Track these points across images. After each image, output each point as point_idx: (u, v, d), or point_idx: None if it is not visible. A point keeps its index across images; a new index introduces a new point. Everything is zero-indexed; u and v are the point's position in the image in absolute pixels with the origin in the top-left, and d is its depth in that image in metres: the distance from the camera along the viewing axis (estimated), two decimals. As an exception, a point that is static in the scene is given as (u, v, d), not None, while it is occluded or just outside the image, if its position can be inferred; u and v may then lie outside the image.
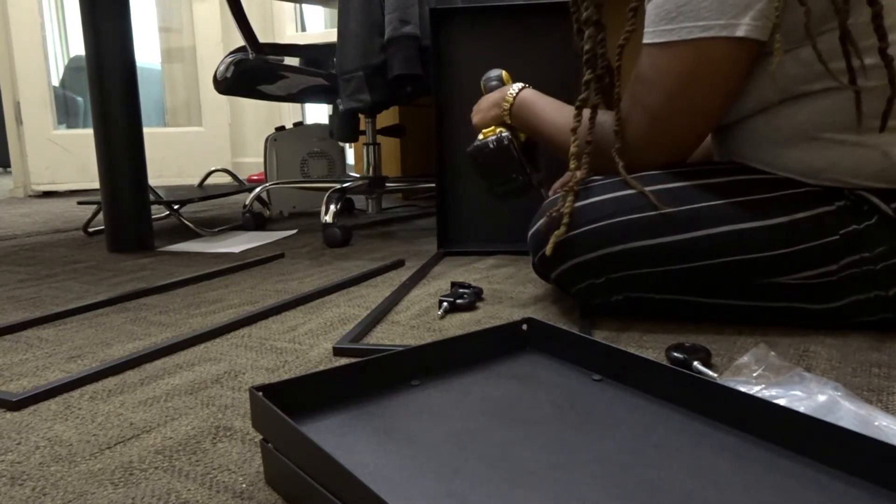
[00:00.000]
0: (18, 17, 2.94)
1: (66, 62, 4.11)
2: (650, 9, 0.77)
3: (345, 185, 1.67)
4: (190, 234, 1.71)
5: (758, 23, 0.70)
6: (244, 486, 0.48)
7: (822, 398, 0.54)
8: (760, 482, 0.43)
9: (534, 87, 0.99)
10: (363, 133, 1.84)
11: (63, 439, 0.57)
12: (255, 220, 1.82)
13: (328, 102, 2.00)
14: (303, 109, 3.79)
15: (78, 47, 4.19)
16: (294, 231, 1.76)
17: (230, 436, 0.56)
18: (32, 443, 0.56)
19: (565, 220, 0.81)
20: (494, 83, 1.05)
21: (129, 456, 0.53)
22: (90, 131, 2.98)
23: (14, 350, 0.82)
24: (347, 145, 2.51)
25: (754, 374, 0.60)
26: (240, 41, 1.85)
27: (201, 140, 3.35)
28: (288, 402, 0.50)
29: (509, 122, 0.99)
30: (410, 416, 0.53)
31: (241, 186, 2.31)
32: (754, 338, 0.77)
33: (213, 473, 0.50)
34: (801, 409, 0.48)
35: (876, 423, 0.50)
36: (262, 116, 3.78)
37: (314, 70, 1.91)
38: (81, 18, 1.40)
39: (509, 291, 1.04)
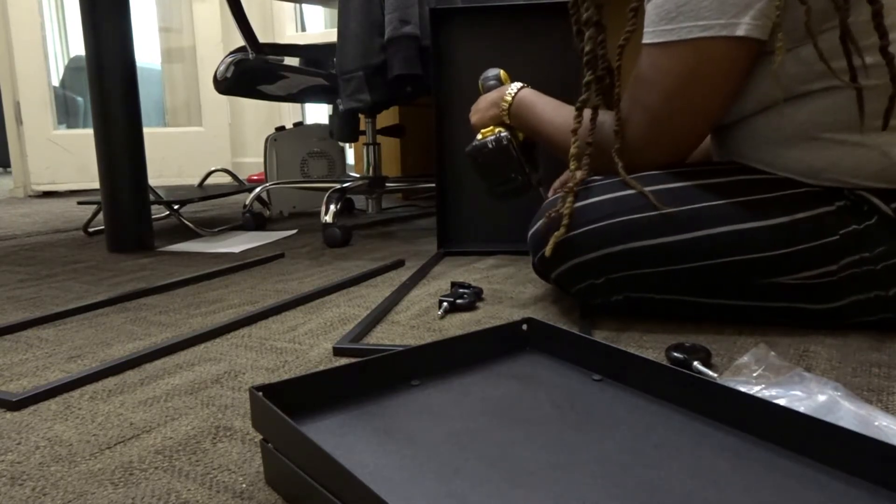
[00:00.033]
0: (18, 17, 2.94)
1: (66, 62, 4.11)
2: (650, 9, 0.77)
3: (345, 185, 1.67)
4: (190, 234, 1.71)
5: (758, 22, 0.70)
6: (244, 486, 0.48)
7: (822, 398, 0.54)
8: (760, 482, 0.43)
9: (534, 87, 0.99)
10: (363, 133, 1.84)
11: (63, 439, 0.57)
12: (255, 220, 1.82)
13: (328, 102, 2.00)
14: (303, 109, 3.79)
15: (78, 47, 4.19)
16: (294, 231, 1.76)
17: (230, 436, 0.56)
18: (32, 443, 0.56)
19: (565, 220, 0.81)
20: (492, 83, 1.05)
21: (129, 456, 0.53)
22: (90, 131, 2.98)
23: (14, 350, 0.82)
24: (347, 145, 2.51)
25: (754, 374, 0.60)
26: (240, 41, 1.85)
27: (201, 140, 3.35)
28: (288, 402, 0.50)
29: (508, 121, 0.99)
30: (410, 416, 0.53)
31: (241, 186, 2.31)
32: (754, 338, 0.77)
33: (213, 473, 0.50)
34: (801, 409, 0.48)
35: (876, 423, 0.50)
36: (262, 116, 3.78)
37: (314, 70, 1.91)
38: (81, 18, 1.40)
39: (509, 291, 1.04)
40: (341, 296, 1.04)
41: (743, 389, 0.50)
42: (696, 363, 0.66)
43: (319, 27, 3.85)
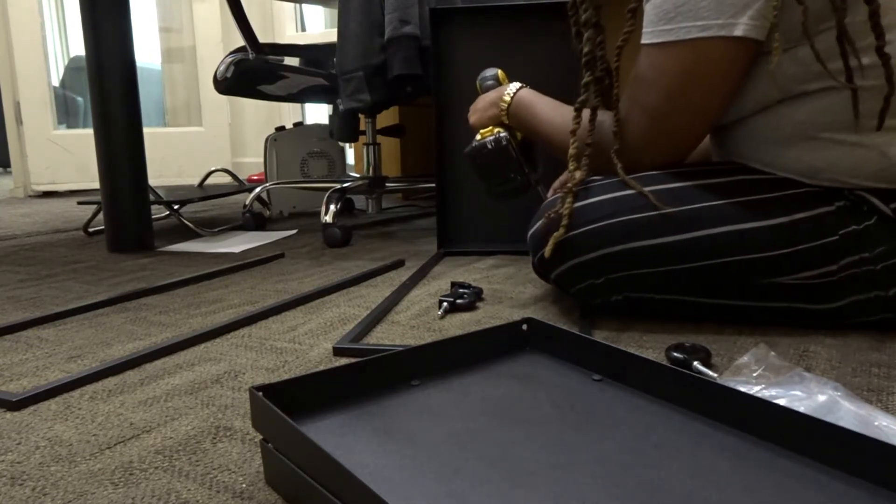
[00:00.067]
0: (18, 17, 2.94)
1: (66, 62, 4.11)
2: (649, 9, 0.77)
3: (345, 185, 1.67)
4: (190, 234, 1.71)
5: (756, 22, 0.70)
6: (244, 486, 0.48)
7: (822, 398, 0.54)
8: (760, 482, 0.43)
9: (534, 87, 0.99)
10: (363, 133, 1.84)
11: (63, 439, 0.57)
12: (255, 220, 1.82)
13: (328, 102, 2.01)
14: (303, 109, 3.79)
15: (78, 47, 4.19)
16: (294, 231, 1.76)
17: (230, 436, 0.56)
18: (32, 443, 0.56)
19: (564, 221, 0.81)
20: (490, 83, 1.05)
21: (129, 456, 0.53)
22: (90, 131, 2.98)
23: (14, 350, 0.82)
24: (347, 145, 2.51)
25: (754, 374, 0.60)
26: (240, 41, 1.85)
27: (201, 140, 3.35)
28: (288, 402, 0.50)
29: (507, 122, 0.99)
30: (410, 416, 0.53)
31: (241, 186, 2.31)
32: (754, 338, 0.77)
33: (213, 473, 0.50)
34: (801, 409, 0.48)
35: (876, 423, 0.50)
36: (262, 116, 3.78)
37: (314, 70, 1.91)
38: (81, 18, 1.40)
39: (509, 291, 1.04)
40: (341, 296, 1.04)
41: (743, 389, 0.50)
42: (696, 363, 0.66)
43: (319, 27, 3.85)
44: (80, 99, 3.77)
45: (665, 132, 0.80)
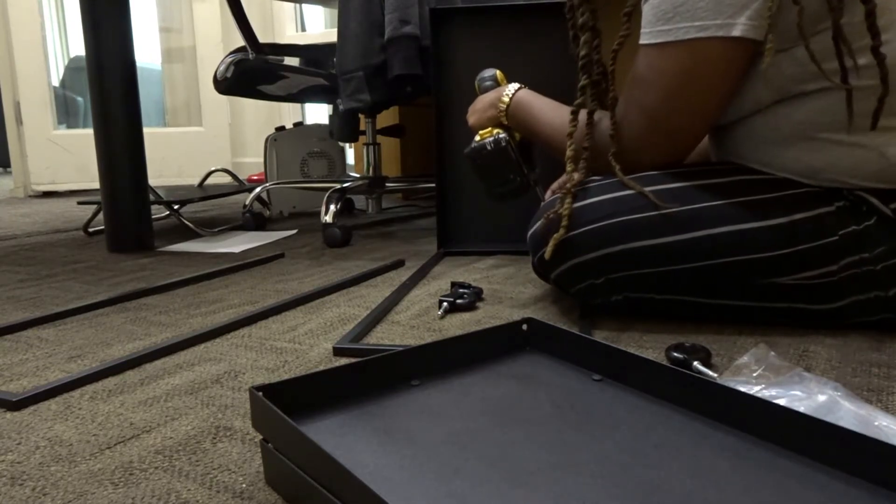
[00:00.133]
0: (18, 17, 2.94)
1: (66, 62, 4.11)
2: (647, 9, 0.77)
3: (345, 185, 1.67)
4: (190, 234, 1.71)
5: (754, 22, 0.70)
6: (244, 486, 0.48)
7: (822, 398, 0.54)
8: (760, 482, 0.43)
9: (533, 88, 0.99)
10: (363, 133, 1.84)
11: (63, 439, 0.57)
12: (255, 220, 1.82)
13: (328, 102, 2.01)
14: (303, 109, 3.79)
15: (78, 47, 4.20)
16: (294, 231, 1.76)
17: (230, 436, 0.56)
18: (32, 443, 0.56)
19: (564, 221, 0.81)
20: (489, 83, 1.05)
21: (129, 456, 0.53)
22: (90, 131, 2.98)
23: (14, 350, 0.82)
24: (347, 145, 2.51)
25: (754, 374, 0.60)
26: (240, 41, 1.85)
27: (201, 140, 3.35)
28: (288, 402, 0.50)
29: (506, 122, 0.99)
30: (410, 416, 0.53)
31: (241, 186, 2.31)
32: (754, 338, 0.78)
33: (213, 473, 0.50)
34: (801, 409, 0.48)
35: (876, 423, 0.50)
36: (262, 116, 3.78)
37: (314, 70, 1.91)
38: (81, 18, 1.40)
39: (509, 291, 1.04)
40: (341, 296, 1.04)
41: (743, 389, 0.50)
42: (696, 363, 0.66)
43: (319, 27, 3.85)
44: (80, 99, 3.77)
45: (664, 132, 0.80)
